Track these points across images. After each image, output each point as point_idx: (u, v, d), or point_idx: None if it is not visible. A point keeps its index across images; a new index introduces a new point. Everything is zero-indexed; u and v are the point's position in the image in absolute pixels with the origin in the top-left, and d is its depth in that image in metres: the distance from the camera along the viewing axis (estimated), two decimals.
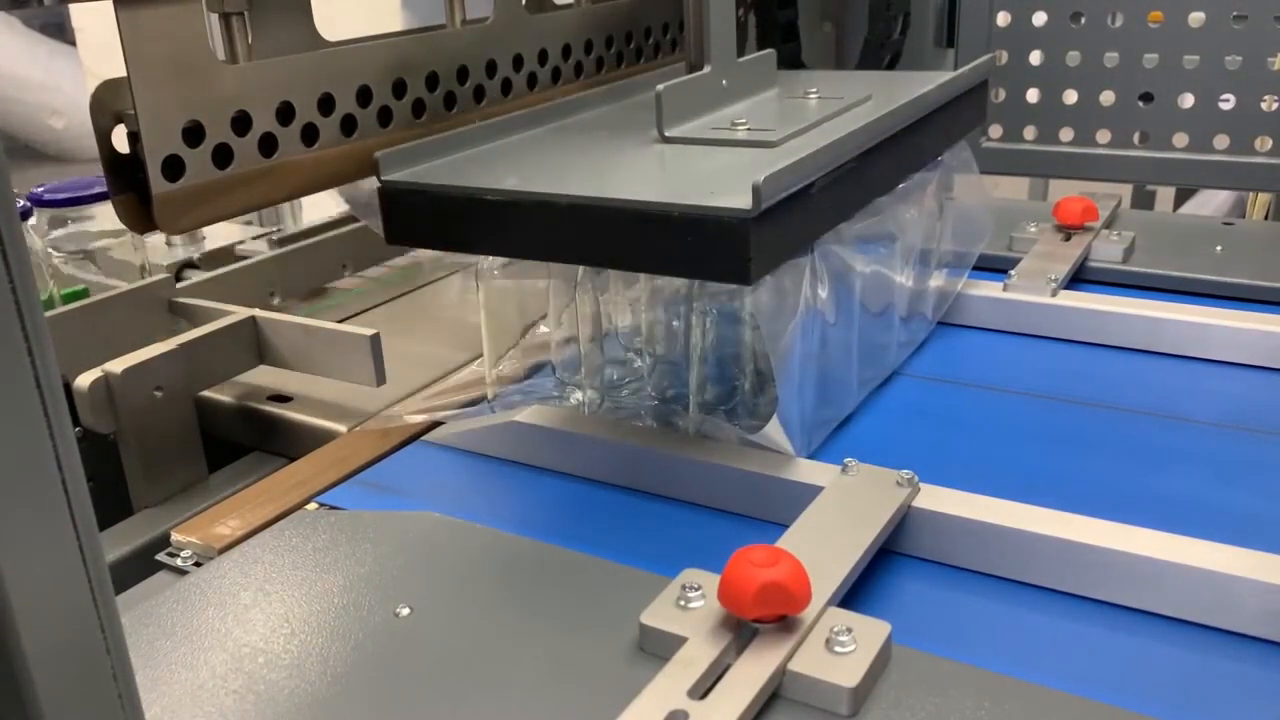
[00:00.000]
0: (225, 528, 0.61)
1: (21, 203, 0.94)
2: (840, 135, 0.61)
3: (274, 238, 1.06)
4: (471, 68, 0.76)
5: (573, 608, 0.52)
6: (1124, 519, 0.54)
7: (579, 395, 0.71)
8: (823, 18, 1.22)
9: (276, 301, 0.97)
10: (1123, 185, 1.27)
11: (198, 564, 0.59)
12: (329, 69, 0.65)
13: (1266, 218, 1.67)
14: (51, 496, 0.28)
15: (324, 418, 0.74)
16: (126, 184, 0.57)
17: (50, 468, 0.27)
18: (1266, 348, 0.77)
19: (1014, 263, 0.89)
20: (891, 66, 1.19)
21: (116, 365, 0.67)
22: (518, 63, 0.81)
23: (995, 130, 1.13)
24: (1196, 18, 1.01)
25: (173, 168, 0.57)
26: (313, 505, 0.63)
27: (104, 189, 0.91)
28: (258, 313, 0.77)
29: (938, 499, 0.57)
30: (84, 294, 0.91)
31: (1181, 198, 2.02)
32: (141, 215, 0.57)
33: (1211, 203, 1.95)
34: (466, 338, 0.83)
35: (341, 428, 0.73)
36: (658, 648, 0.47)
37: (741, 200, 0.53)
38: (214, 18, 0.60)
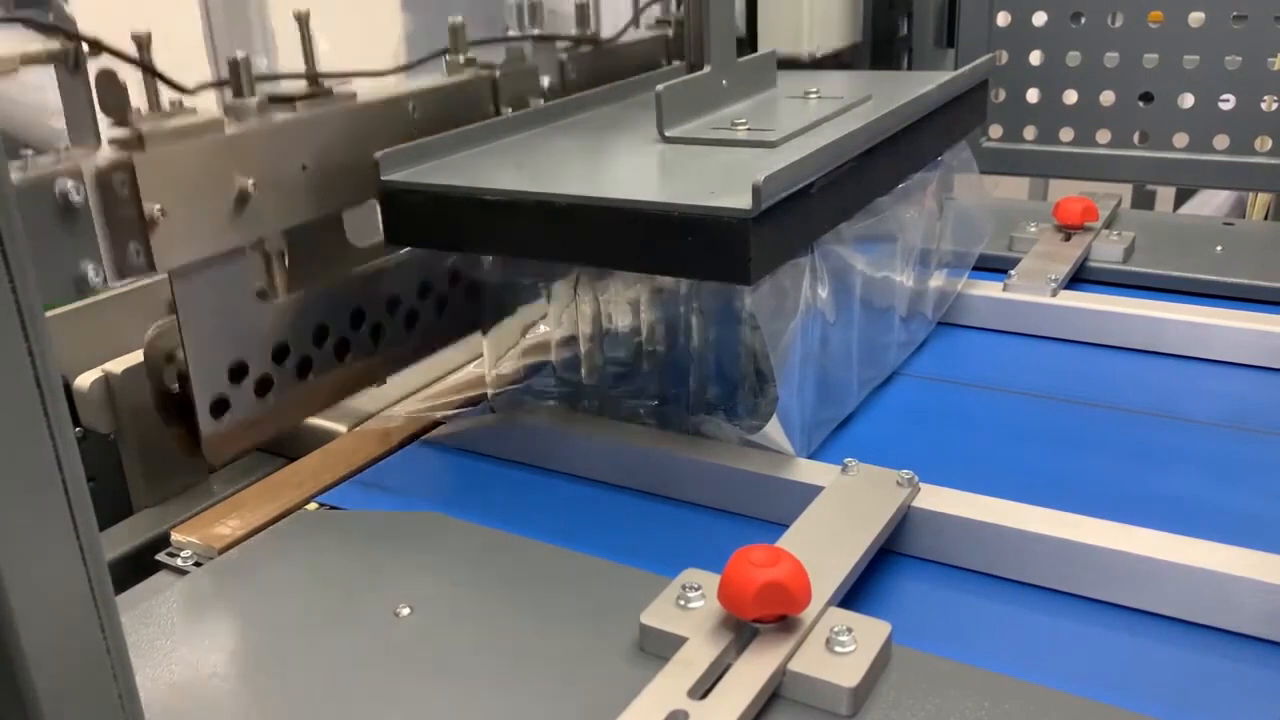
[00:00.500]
0: (225, 528, 0.61)
1: None
2: (840, 135, 0.61)
3: None
4: None
5: (573, 608, 0.52)
6: (1124, 519, 0.54)
7: (579, 395, 0.70)
8: None
9: None
10: (1123, 185, 1.27)
11: (198, 564, 0.58)
12: (361, 287, 0.67)
13: (1266, 218, 1.67)
14: (51, 496, 0.28)
15: (324, 418, 0.74)
16: (174, 417, 0.60)
17: (50, 468, 0.27)
18: (1266, 348, 0.77)
19: (1014, 263, 0.89)
20: (907, 66, 1.19)
21: (116, 365, 0.67)
22: None
23: (995, 130, 1.13)
24: (1196, 18, 1.01)
25: (219, 408, 0.60)
26: (313, 505, 0.63)
27: None
28: None
29: (938, 499, 0.57)
30: None
31: (1181, 198, 2.02)
32: (190, 446, 0.60)
33: (1211, 203, 1.95)
34: (466, 338, 0.83)
35: (341, 428, 0.73)
36: (658, 648, 0.47)
37: (741, 200, 0.53)
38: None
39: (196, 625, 0.52)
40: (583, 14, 0.87)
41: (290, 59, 0.66)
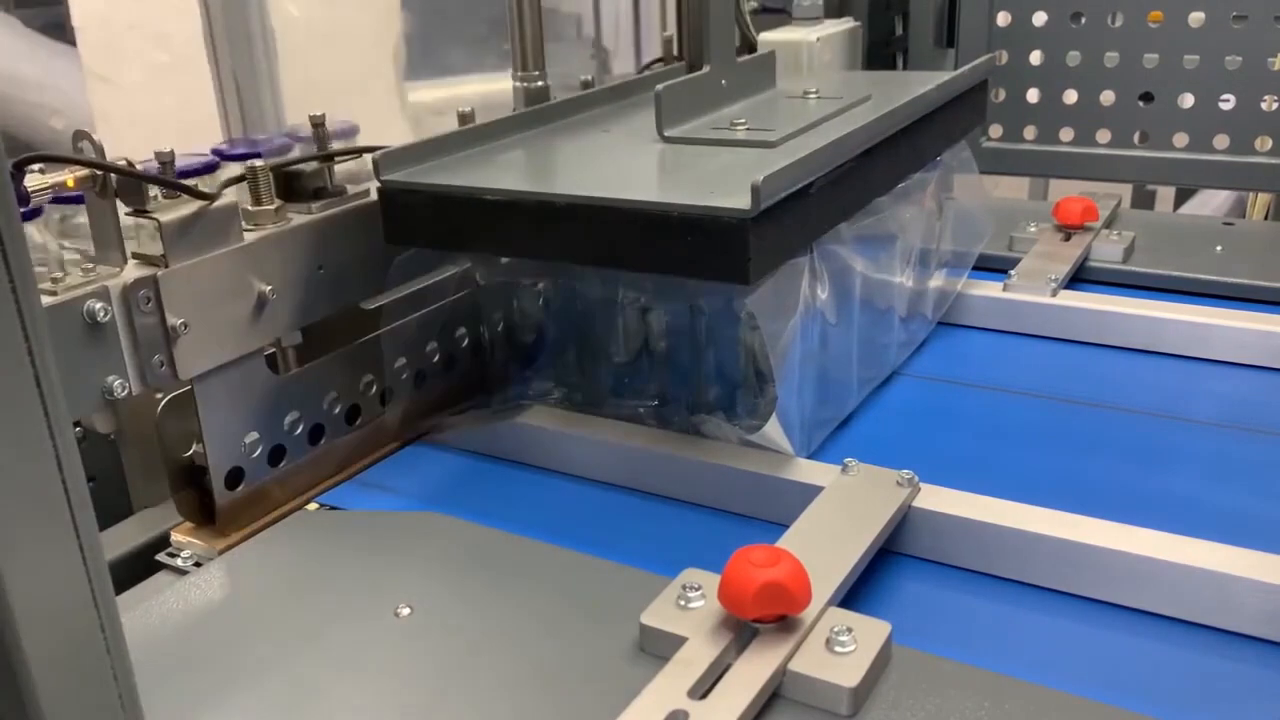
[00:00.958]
0: None
1: None
2: (839, 135, 0.61)
3: None
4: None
5: (573, 608, 0.52)
6: (1124, 519, 0.54)
7: (579, 396, 0.70)
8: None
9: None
10: (1123, 185, 1.27)
11: (198, 564, 0.58)
12: (371, 356, 0.67)
13: (1266, 218, 1.67)
14: (51, 496, 0.28)
15: None
16: (185, 481, 0.60)
17: (50, 468, 0.27)
18: (1266, 348, 0.77)
19: (1014, 263, 0.89)
20: (901, 65, 1.19)
21: None
22: None
23: (995, 130, 1.13)
24: (1196, 18, 1.01)
25: (234, 478, 0.60)
26: (313, 505, 0.63)
27: None
28: None
29: (938, 499, 0.57)
30: None
31: (1181, 198, 2.02)
32: (201, 512, 0.60)
33: (1211, 203, 1.95)
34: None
35: None
36: (658, 648, 0.47)
37: (741, 200, 0.52)
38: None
39: (196, 626, 0.52)
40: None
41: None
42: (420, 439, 0.71)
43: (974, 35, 1.09)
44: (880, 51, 1.17)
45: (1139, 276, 0.92)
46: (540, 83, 0.75)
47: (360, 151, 0.67)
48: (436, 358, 0.72)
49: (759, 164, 0.55)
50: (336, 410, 0.65)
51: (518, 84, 0.75)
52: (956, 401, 0.75)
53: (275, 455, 0.62)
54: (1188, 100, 1.03)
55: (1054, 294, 0.84)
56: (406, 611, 0.52)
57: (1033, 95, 1.10)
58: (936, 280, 0.82)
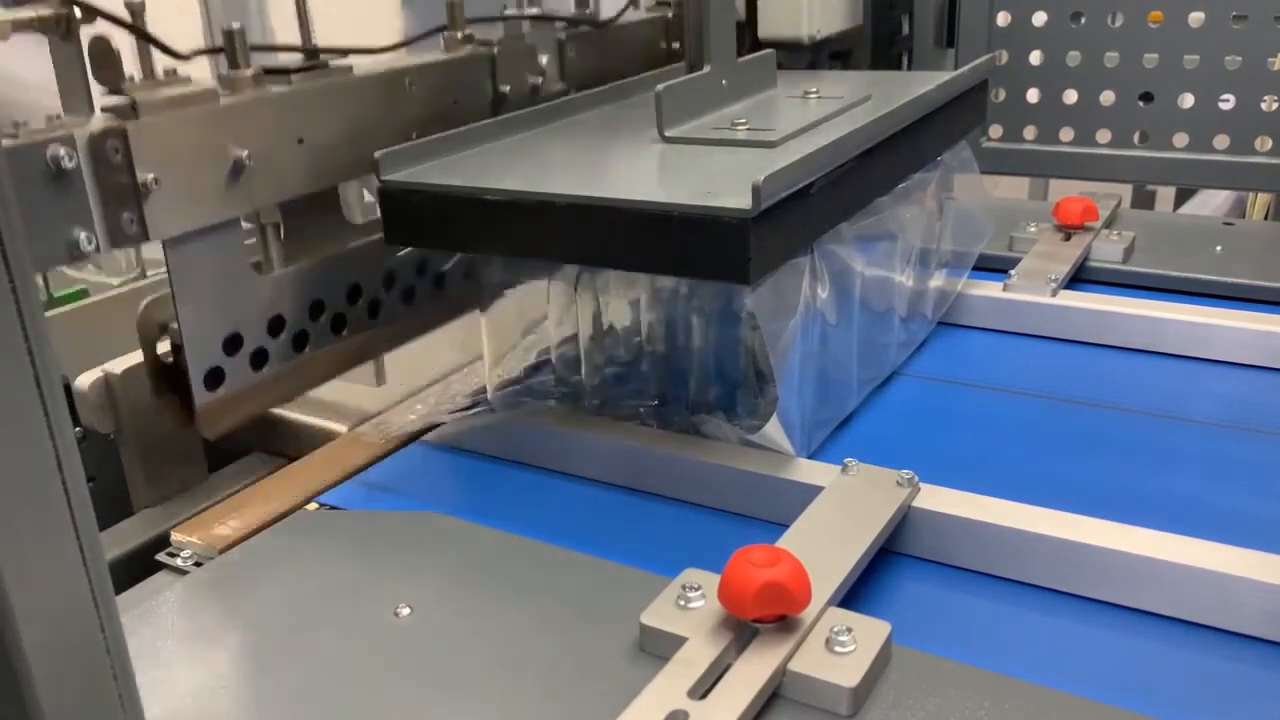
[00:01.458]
0: (225, 528, 0.61)
1: None
2: (840, 135, 0.61)
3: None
4: None
5: (573, 608, 0.52)
6: (1124, 519, 0.54)
7: (579, 396, 0.70)
8: None
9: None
10: (1123, 185, 1.27)
11: (198, 564, 0.58)
12: (358, 262, 0.67)
13: (1266, 218, 1.67)
14: (51, 496, 0.28)
15: (324, 418, 0.74)
16: (169, 385, 0.59)
17: (50, 468, 0.27)
18: (1266, 348, 0.77)
19: (1014, 263, 0.89)
20: (907, 66, 1.19)
21: (116, 365, 0.67)
22: None
23: (995, 130, 1.12)
24: (1196, 18, 1.01)
25: (213, 379, 0.59)
26: (313, 505, 0.63)
27: None
28: None
29: (938, 499, 0.57)
30: (83, 294, 0.91)
31: (1181, 198, 2.02)
32: (183, 416, 0.60)
33: (1211, 203, 1.95)
34: (465, 338, 0.83)
35: (341, 428, 0.73)
36: (658, 648, 0.47)
37: (741, 200, 0.52)
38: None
39: (196, 625, 0.52)
40: None
41: (285, 28, 0.66)
42: (420, 439, 0.71)
43: (974, 35, 1.09)
44: (885, 51, 1.17)
45: (1139, 276, 0.92)
46: None
47: (347, 52, 0.66)
48: (426, 273, 0.70)
49: (759, 164, 0.55)
50: (321, 318, 0.64)
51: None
52: (956, 401, 0.75)
53: (257, 359, 0.61)
54: (1188, 100, 1.03)
55: (1054, 294, 0.84)
56: (406, 611, 0.52)
57: (1033, 95, 1.10)
58: (936, 280, 0.82)
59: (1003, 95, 1.11)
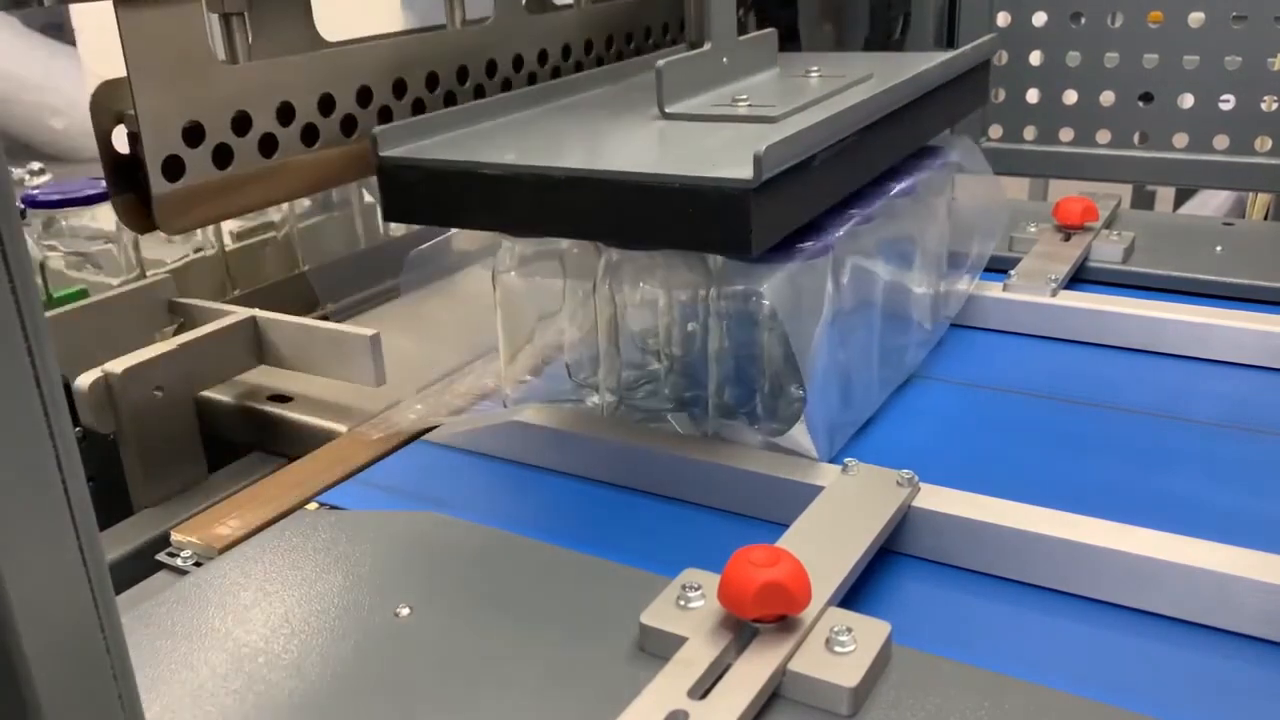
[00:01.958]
0: (225, 528, 0.61)
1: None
2: (841, 110, 0.61)
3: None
4: (471, 68, 0.76)
5: (573, 608, 0.52)
6: (1124, 519, 0.54)
7: (595, 398, 0.70)
8: (823, 18, 1.22)
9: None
10: (1123, 185, 1.27)
11: (198, 564, 0.58)
12: (329, 69, 0.65)
13: (1266, 218, 1.67)
14: (51, 496, 0.28)
15: (324, 418, 0.74)
16: (127, 184, 0.57)
17: (50, 468, 0.27)
18: (1266, 348, 0.77)
19: (1014, 263, 0.89)
20: None
21: (116, 365, 0.67)
22: (518, 63, 0.81)
23: (995, 130, 1.13)
24: (1196, 18, 1.01)
25: (173, 168, 0.57)
26: (313, 505, 0.63)
27: (97, 190, 0.91)
28: (258, 313, 0.77)
29: (938, 499, 0.57)
30: (83, 294, 0.91)
31: (1181, 198, 2.02)
32: (141, 215, 0.57)
33: (1211, 203, 1.95)
34: (465, 338, 0.83)
35: (341, 428, 0.73)
36: (658, 648, 0.47)
37: (743, 171, 0.52)
38: (214, 18, 0.61)
39: (196, 625, 0.52)
40: None
41: None
42: (420, 439, 0.71)
43: (974, 35, 1.09)
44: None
45: (1139, 276, 0.92)
46: None
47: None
48: (405, 97, 0.68)
49: (761, 138, 0.54)
50: (291, 125, 0.63)
51: None
52: (956, 401, 0.75)
53: (220, 155, 0.59)
54: (1188, 100, 1.03)
55: (1054, 294, 0.84)
56: (406, 612, 0.52)
57: (1033, 95, 1.10)
58: (953, 280, 0.82)
59: (1003, 96, 1.11)
